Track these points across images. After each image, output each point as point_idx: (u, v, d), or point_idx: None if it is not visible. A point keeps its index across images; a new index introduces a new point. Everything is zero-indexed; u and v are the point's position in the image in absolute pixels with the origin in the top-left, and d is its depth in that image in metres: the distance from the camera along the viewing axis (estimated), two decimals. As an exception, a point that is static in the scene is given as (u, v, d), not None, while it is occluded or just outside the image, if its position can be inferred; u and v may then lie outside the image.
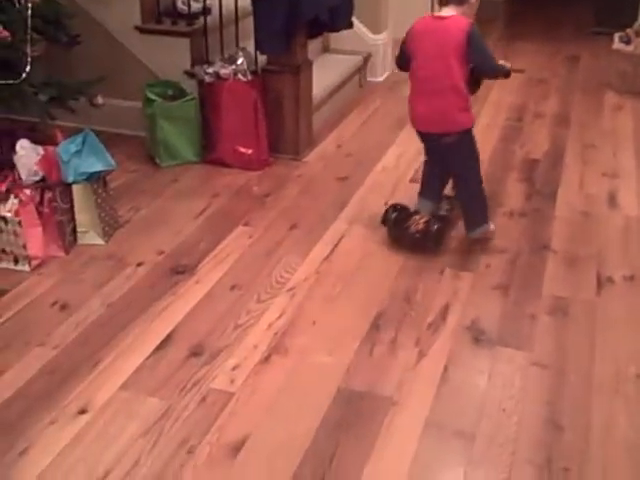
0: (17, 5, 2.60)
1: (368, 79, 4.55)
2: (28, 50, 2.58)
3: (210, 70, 3.21)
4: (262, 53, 3.28)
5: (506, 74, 2.53)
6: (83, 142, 2.58)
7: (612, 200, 3.03)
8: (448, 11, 2.41)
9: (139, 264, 2.55)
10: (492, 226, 2.67)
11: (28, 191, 2.51)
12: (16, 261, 2.51)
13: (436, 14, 2.44)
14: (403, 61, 2.56)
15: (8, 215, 2.46)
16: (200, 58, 3.37)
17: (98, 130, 2.82)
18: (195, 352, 2.10)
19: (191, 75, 3.37)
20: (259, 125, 3.25)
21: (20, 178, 2.54)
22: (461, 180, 2.64)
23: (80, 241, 2.67)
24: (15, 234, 2.47)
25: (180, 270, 2.51)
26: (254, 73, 3.24)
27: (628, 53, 4.33)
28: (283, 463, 1.73)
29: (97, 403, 1.91)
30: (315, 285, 2.44)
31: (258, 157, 3.29)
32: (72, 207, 2.61)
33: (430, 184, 2.70)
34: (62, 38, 2.94)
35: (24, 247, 2.48)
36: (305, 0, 3.08)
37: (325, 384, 1.98)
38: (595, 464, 1.74)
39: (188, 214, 2.90)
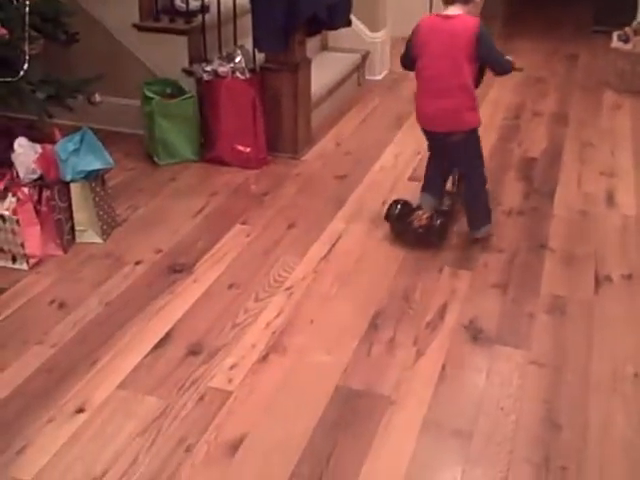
0: (15, 2, 2.59)
1: (366, 77, 4.55)
2: (26, 48, 2.58)
3: (208, 68, 3.20)
4: (260, 51, 3.28)
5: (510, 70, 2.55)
6: (81, 140, 2.57)
7: (610, 199, 3.03)
8: (454, 10, 2.41)
9: (137, 263, 2.55)
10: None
11: (26, 189, 2.51)
12: (14, 259, 2.51)
13: (442, 13, 2.43)
14: (408, 60, 2.56)
15: (6, 213, 2.46)
16: (198, 56, 3.37)
17: (96, 128, 2.82)
18: (193, 351, 2.10)
19: (189, 73, 3.37)
20: (257, 123, 3.25)
21: (18, 176, 2.53)
22: (466, 179, 2.65)
23: (78, 239, 2.66)
24: (13, 232, 2.47)
25: (178, 269, 2.51)
26: (252, 71, 3.23)
27: (627, 52, 4.33)
28: (281, 462, 1.73)
29: (95, 402, 1.91)
30: (313, 284, 2.44)
31: (256, 155, 3.29)
32: (70, 205, 2.61)
33: (433, 179, 2.71)
34: (60, 36, 2.94)
35: (22, 245, 2.48)
36: (303, -2, 3.08)
37: (323, 383, 1.98)
38: (593, 463, 1.74)
39: (186, 213, 2.89)
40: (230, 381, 1.99)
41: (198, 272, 2.50)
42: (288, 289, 2.40)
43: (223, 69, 3.17)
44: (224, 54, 3.25)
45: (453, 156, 2.61)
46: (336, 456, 1.75)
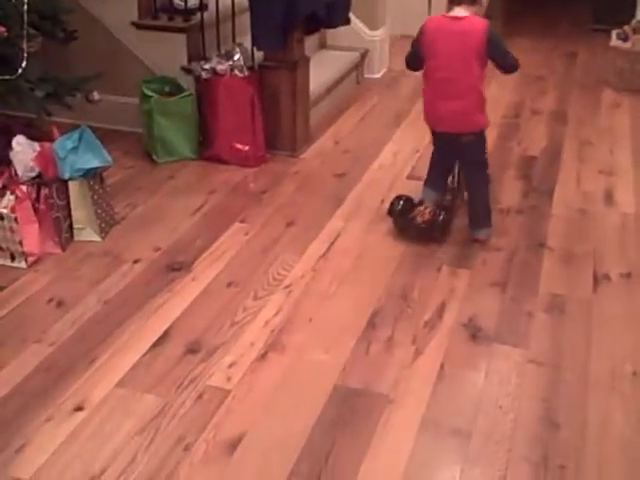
0: (13, 0, 2.59)
1: (365, 76, 4.54)
2: (24, 46, 2.57)
3: (207, 66, 3.20)
4: (259, 49, 3.27)
5: None
6: (79, 138, 2.57)
7: (609, 198, 3.03)
8: (461, 11, 2.41)
9: (135, 261, 2.54)
10: None
11: (24, 187, 2.50)
12: (12, 258, 2.50)
13: (450, 14, 2.43)
14: (415, 60, 2.56)
15: (4, 211, 2.46)
16: (197, 54, 3.36)
17: (94, 126, 2.82)
18: (192, 349, 2.10)
19: (188, 71, 3.36)
20: (256, 121, 3.24)
21: (16, 174, 2.53)
22: (470, 179, 2.66)
23: (76, 238, 2.66)
24: (11, 230, 2.46)
25: (176, 267, 2.51)
26: (251, 69, 3.23)
27: (625, 50, 4.33)
28: (279, 460, 1.73)
29: (93, 400, 1.91)
30: (312, 282, 2.44)
31: (255, 154, 3.28)
32: (68, 203, 2.61)
33: (436, 175, 2.71)
34: (59, 34, 2.94)
35: (20, 244, 2.47)
36: (302, -4, 3.08)
37: (321, 382, 1.98)
38: (591, 461, 1.74)
39: (185, 211, 2.89)
40: (229, 379, 1.99)
41: (197, 270, 2.49)
42: (287, 287, 2.40)
43: (222, 67, 3.17)
44: (223, 52, 3.25)
45: (460, 156, 2.64)
46: (335, 455, 1.75)
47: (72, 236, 2.66)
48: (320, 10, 3.22)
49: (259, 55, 3.30)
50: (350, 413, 1.88)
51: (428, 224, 2.61)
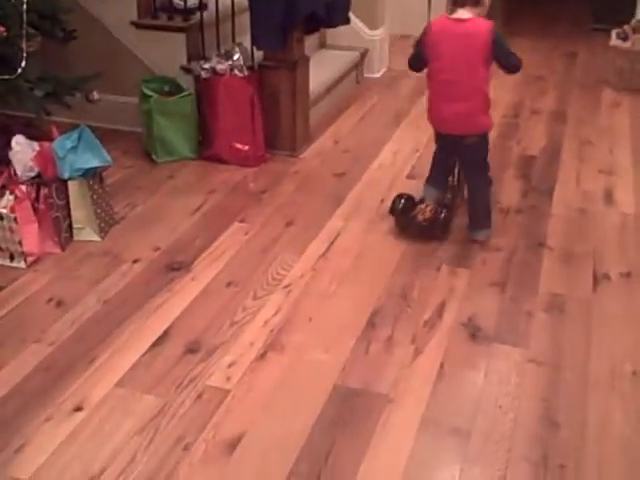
0: (13, 0, 2.59)
1: (365, 75, 4.54)
2: (24, 45, 2.57)
3: (206, 66, 3.20)
4: (258, 49, 3.27)
5: None
6: (79, 138, 2.57)
7: (608, 197, 3.03)
8: (464, 13, 2.41)
9: (135, 261, 2.54)
10: None
11: (24, 187, 2.50)
12: (12, 258, 2.50)
13: (453, 16, 2.43)
14: (418, 62, 2.56)
15: (4, 211, 2.45)
16: (196, 54, 3.36)
17: (94, 126, 2.81)
18: (191, 349, 2.10)
19: (187, 71, 3.36)
20: (255, 121, 3.24)
21: (16, 174, 2.53)
22: (472, 179, 2.67)
23: (76, 237, 2.66)
24: (11, 230, 2.46)
25: (176, 267, 2.51)
26: (250, 69, 3.23)
27: (625, 50, 4.33)
28: (279, 460, 1.73)
29: (93, 400, 1.90)
30: (311, 282, 2.43)
31: (254, 153, 3.28)
32: (68, 203, 2.60)
33: (438, 173, 2.72)
34: (58, 33, 2.94)
35: (20, 244, 2.47)
36: (302, -4, 3.07)
37: (321, 381, 1.98)
38: (591, 461, 1.74)
39: (184, 210, 2.89)
40: (228, 379, 1.98)
41: (196, 270, 2.49)
42: (286, 287, 2.40)
43: (221, 67, 3.17)
44: (222, 52, 3.25)
45: (462, 157, 2.64)
46: (334, 454, 1.75)
47: (71, 236, 2.65)
48: (320, 10, 3.22)
49: (259, 55, 3.30)
50: (350, 413, 1.87)
51: (429, 222, 2.62)
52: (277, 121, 3.35)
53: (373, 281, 2.44)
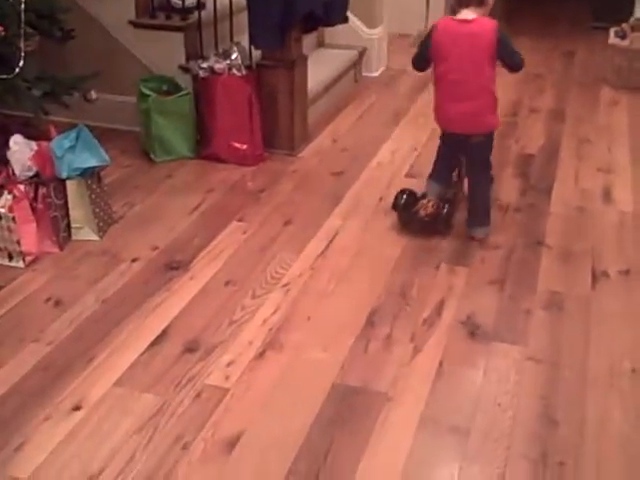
0: (10, -1, 2.59)
1: (363, 74, 4.54)
2: (21, 44, 2.57)
3: (204, 65, 3.20)
4: (256, 48, 3.27)
5: None
6: (77, 137, 2.57)
7: (607, 195, 3.03)
8: (469, 13, 2.41)
9: (133, 260, 2.54)
10: None
11: (22, 187, 2.50)
12: (10, 257, 2.50)
13: (458, 17, 2.43)
14: (422, 62, 2.57)
15: (2, 211, 2.45)
16: (194, 53, 3.36)
17: (92, 125, 2.81)
18: (190, 348, 2.10)
19: (185, 70, 3.36)
20: (254, 120, 3.24)
21: (14, 174, 2.52)
22: (474, 177, 2.67)
23: (74, 237, 2.66)
24: (9, 230, 2.46)
25: (174, 266, 2.51)
26: (248, 68, 3.23)
27: (624, 48, 4.33)
28: (278, 459, 1.73)
29: (91, 399, 1.90)
30: (310, 281, 2.43)
31: (253, 152, 3.28)
32: (66, 203, 2.60)
33: (442, 168, 2.72)
34: (56, 33, 2.94)
35: (18, 243, 2.47)
36: (300, -5, 3.07)
37: (320, 380, 1.98)
38: (590, 458, 1.74)
39: (182, 210, 2.89)
40: (227, 378, 1.98)
41: (194, 269, 2.49)
42: (285, 286, 2.40)
43: (219, 66, 3.17)
44: (220, 51, 3.24)
45: (467, 156, 2.65)
46: (333, 453, 1.75)
47: (70, 235, 2.65)
48: (318, 9, 3.21)
49: (257, 54, 3.30)
50: (349, 411, 1.87)
51: (431, 217, 2.63)
52: (275, 120, 3.35)
53: (372, 279, 2.44)
